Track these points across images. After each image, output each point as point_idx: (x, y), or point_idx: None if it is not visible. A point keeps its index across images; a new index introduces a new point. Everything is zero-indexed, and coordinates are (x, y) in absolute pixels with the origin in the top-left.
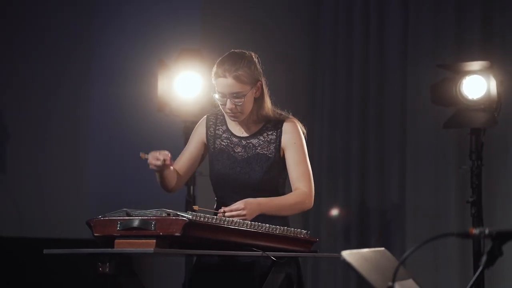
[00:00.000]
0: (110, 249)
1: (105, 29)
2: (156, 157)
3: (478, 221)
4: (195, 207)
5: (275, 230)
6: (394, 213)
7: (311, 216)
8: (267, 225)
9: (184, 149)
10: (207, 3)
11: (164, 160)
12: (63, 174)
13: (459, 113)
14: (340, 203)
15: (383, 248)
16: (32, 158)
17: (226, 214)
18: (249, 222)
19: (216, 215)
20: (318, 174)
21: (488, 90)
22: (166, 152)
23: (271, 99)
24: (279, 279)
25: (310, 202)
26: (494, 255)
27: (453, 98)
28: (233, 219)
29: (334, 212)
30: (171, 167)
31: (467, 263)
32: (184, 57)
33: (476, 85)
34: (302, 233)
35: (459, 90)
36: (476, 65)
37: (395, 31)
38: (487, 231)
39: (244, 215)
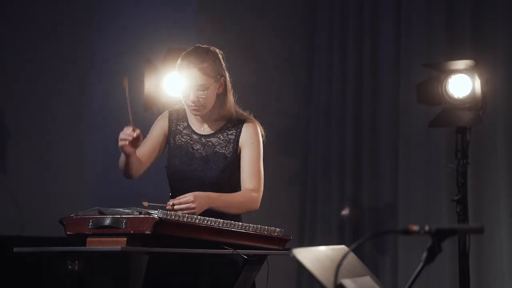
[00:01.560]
0: (78, 247)
1: (94, 30)
2: (125, 138)
3: (463, 219)
4: (145, 204)
5: (248, 228)
6: (387, 211)
7: (307, 215)
8: (240, 223)
9: (146, 138)
10: (202, 4)
11: (138, 136)
12: (63, 173)
13: (445, 112)
14: (334, 202)
15: (343, 246)
16: (32, 158)
17: (176, 207)
18: (221, 220)
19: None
20: (313, 173)
21: (473, 89)
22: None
23: (234, 97)
24: (252, 277)
25: (257, 202)
26: (434, 251)
27: (439, 97)
28: (200, 216)
29: (345, 212)
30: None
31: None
32: (171, 57)
33: (462, 84)
34: (276, 231)
35: (445, 89)
36: (461, 64)
37: (388, 31)
38: (426, 228)
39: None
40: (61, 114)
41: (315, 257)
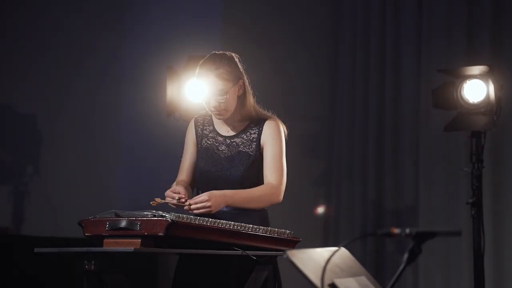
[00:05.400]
0: (93, 248)
1: (116, 37)
2: (171, 196)
3: (478, 222)
4: (155, 202)
5: (258, 230)
6: (408, 213)
7: (331, 215)
8: (251, 225)
9: (183, 157)
10: (228, 10)
11: (179, 199)
12: (95, 176)
13: (460, 116)
14: (357, 203)
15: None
16: (65, 161)
17: (192, 206)
18: (232, 222)
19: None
20: (337, 175)
21: (488, 94)
22: (181, 189)
23: (254, 98)
24: (261, 278)
25: (278, 195)
26: (414, 253)
27: (455, 102)
28: (217, 220)
29: (320, 209)
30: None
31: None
32: (192, 64)
33: (476, 89)
34: (286, 233)
35: (460, 94)
36: (475, 69)
37: (409, 37)
38: (407, 231)
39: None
40: (92, 119)
41: (309, 258)
